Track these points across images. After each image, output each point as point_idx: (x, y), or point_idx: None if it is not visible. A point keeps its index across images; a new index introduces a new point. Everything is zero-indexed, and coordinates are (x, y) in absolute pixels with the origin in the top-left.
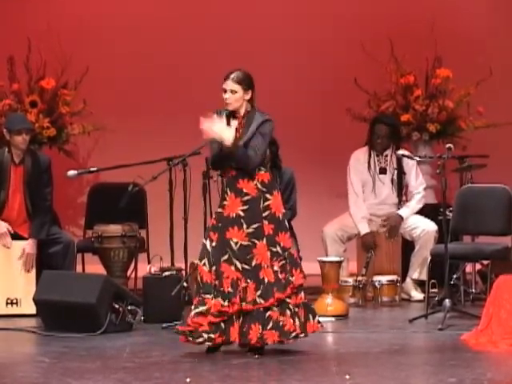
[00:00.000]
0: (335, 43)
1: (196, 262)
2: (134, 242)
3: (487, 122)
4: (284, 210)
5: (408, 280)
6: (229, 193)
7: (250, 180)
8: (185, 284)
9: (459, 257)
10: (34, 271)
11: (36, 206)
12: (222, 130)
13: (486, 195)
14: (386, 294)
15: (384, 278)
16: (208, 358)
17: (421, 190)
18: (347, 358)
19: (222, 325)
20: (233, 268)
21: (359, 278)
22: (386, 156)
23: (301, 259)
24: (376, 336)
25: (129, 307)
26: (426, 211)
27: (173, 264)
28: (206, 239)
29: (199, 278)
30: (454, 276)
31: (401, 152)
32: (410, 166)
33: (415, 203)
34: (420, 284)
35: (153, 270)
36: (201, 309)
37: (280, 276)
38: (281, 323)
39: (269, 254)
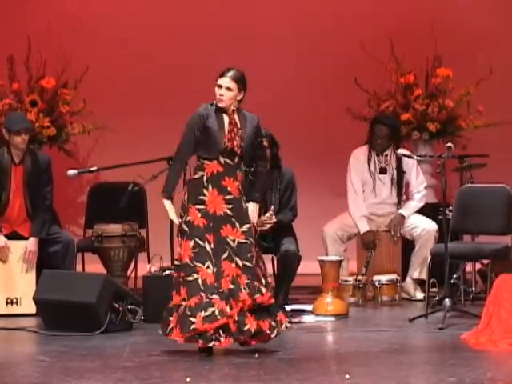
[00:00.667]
0: (335, 43)
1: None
2: (133, 242)
3: (487, 121)
4: None
5: (408, 279)
6: (210, 188)
7: (234, 180)
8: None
9: (459, 256)
10: (34, 271)
11: (36, 205)
12: None
13: (486, 194)
14: (386, 294)
15: (384, 278)
16: (208, 358)
17: (421, 189)
18: (347, 357)
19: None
20: (233, 265)
21: (359, 278)
22: (387, 156)
23: (301, 258)
24: (376, 335)
25: (129, 307)
26: (426, 210)
27: (173, 263)
28: (203, 241)
29: (202, 280)
30: (454, 275)
31: (401, 151)
32: (410, 165)
33: (416, 202)
34: (420, 283)
35: (153, 270)
36: (209, 311)
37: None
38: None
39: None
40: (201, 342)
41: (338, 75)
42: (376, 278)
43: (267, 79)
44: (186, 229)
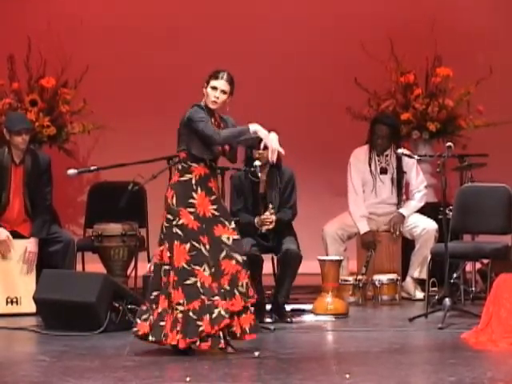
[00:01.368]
0: (335, 43)
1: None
2: (133, 241)
3: (487, 120)
4: None
5: (408, 279)
6: (199, 191)
7: (216, 181)
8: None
9: (459, 256)
10: (34, 270)
11: (36, 205)
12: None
13: (486, 194)
14: (386, 293)
15: (384, 277)
16: (208, 357)
17: (422, 189)
18: (347, 357)
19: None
20: (233, 262)
21: (359, 277)
22: (387, 156)
23: (302, 258)
24: (376, 335)
25: (129, 306)
26: (426, 210)
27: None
28: (198, 244)
29: (201, 284)
30: (454, 275)
31: (401, 151)
32: (410, 164)
33: (416, 202)
34: (420, 283)
35: (153, 269)
36: (216, 312)
37: None
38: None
39: None
40: (209, 344)
41: (338, 75)
42: (376, 277)
43: (267, 79)
44: (180, 232)
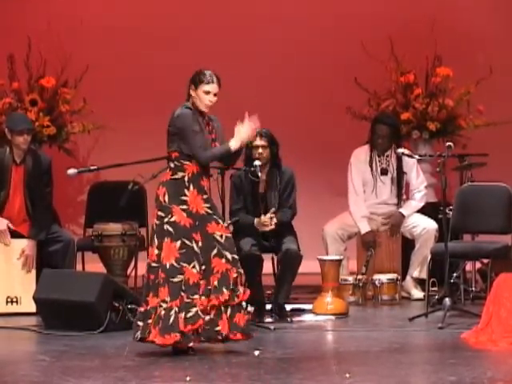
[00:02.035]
0: (335, 43)
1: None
2: (133, 241)
3: (487, 120)
4: None
5: (408, 278)
6: (191, 188)
7: (207, 180)
8: None
9: (459, 255)
10: (34, 270)
11: (36, 205)
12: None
13: (486, 194)
14: (386, 293)
15: (384, 277)
16: (208, 357)
17: (422, 188)
18: (347, 356)
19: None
20: (223, 260)
21: (359, 277)
22: (388, 156)
23: (302, 257)
24: (376, 335)
25: (129, 306)
26: (426, 210)
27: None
28: (190, 241)
29: (185, 280)
30: (454, 274)
31: (401, 150)
32: (410, 164)
33: (416, 201)
34: (420, 282)
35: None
36: (193, 311)
37: None
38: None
39: None
40: (177, 340)
41: (338, 75)
42: (376, 277)
43: (267, 79)
44: (171, 230)
